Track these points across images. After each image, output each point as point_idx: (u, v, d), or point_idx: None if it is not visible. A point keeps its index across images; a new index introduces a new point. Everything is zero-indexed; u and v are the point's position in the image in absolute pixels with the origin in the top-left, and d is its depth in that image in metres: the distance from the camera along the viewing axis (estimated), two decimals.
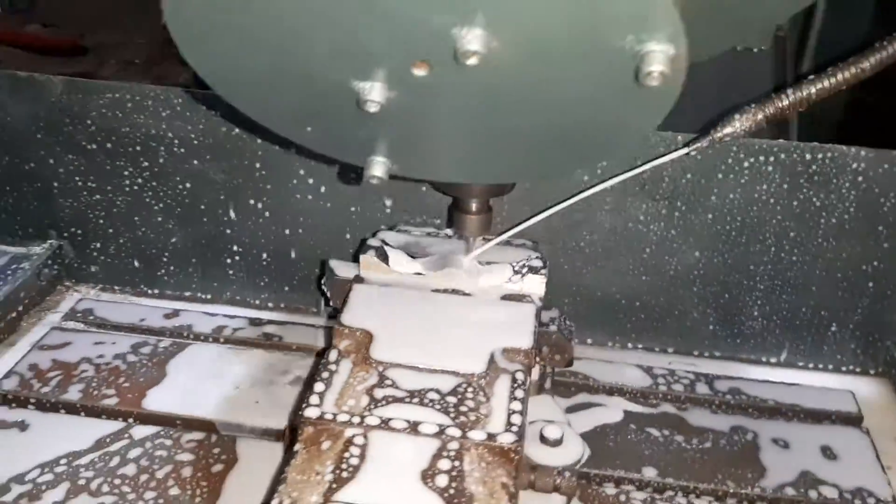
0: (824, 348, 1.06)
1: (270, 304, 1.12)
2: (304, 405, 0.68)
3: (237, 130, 1.01)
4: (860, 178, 0.96)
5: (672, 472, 0.87)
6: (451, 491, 0.62)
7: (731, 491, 0.85)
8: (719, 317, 1.06)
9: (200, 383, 0.94)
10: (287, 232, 1.07)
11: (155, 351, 0.99)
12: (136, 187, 1.07)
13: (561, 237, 1.03)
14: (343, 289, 0.85)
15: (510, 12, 0.55)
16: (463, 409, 0.70)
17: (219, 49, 0.61)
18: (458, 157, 0.71)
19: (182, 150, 1.04)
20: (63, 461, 0.83)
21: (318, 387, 0.70)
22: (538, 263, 0.88)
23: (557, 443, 0.84)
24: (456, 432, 0.66)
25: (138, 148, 1.04)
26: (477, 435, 0.66)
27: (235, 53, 0.61)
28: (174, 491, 0.81)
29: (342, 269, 0.89)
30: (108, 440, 0.86)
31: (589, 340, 1.09)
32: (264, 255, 1.10)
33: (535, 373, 0.94)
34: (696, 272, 1.03)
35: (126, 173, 1.06)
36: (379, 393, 0.70)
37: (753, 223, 1.00)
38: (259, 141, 1.02)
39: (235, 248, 1.09)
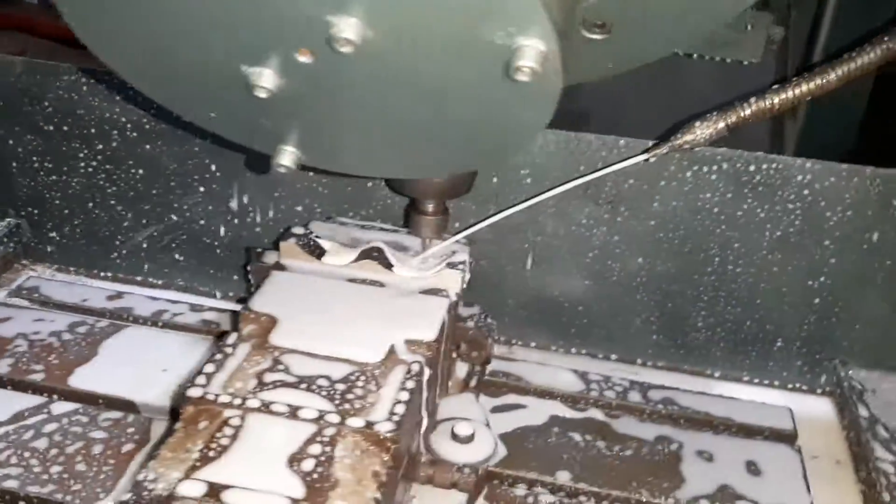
0: (769, 364, 1.04)
1: (218, 293, 1.13)
2: (188, 385, 0.69)
3: None
4: (806, 191, 0.94)
5: (586, 478, 0.85)
6: (315, 475, 0.62)
7: (644, 500, 0.84)
8: (662, 326, 1.04)
9: (129, 364, 0.94)
10: (236, 221, 1.08)
11: (91, 331, 1.00)
12: (90, 170, 1.09)
13: (504, 238, 1.02)
14: (264, 274, 0.86)
15: (384, 2, 0.55)
16: (350, 396, 0.69)
17: (108, 29, 0.62)
18: (359, 149, 0.71)
19: (135, 134, 1.05)
20: None
21: (208, 368, 0.71)
22: (459, 259, 0.87)
23: (468, 440, 0.83)
24: (335, 418, 0.66)
25: (93, 131, 1.06)
26: (355, 422, 0.66)
27: (123, 32, 0.62)
28: (80, 467, 0.81)
29: (268, 255, 0.90)
30: (26, 413, 0.87)
31: (532, 343, 1.08)
32: (214, 244, 1.10)
33: (462, 371, 0.94)
34: (640, 279, 1.02)
35: (81, 156, 1.08)
36: (269, 377, 0.70)
37: (697, 232, 0.98)
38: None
39: (184, 235, 1.10)
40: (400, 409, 0.68)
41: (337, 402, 0.68)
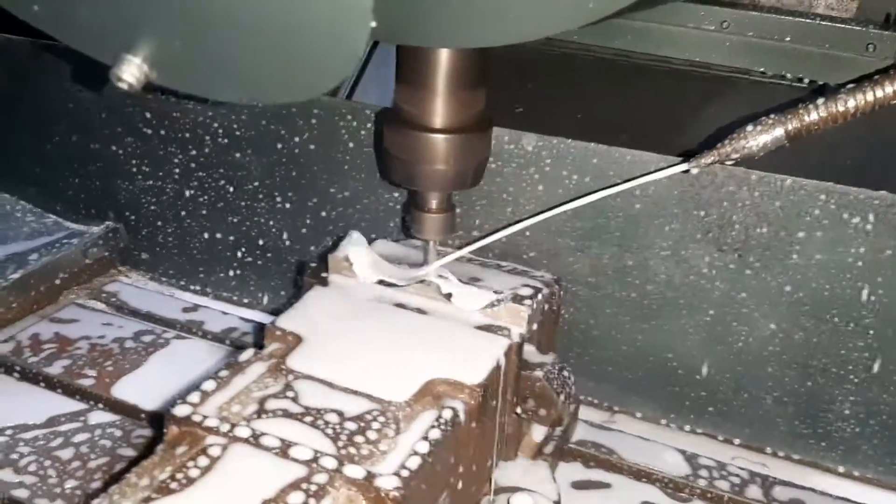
0: None
1: None
2: (178, 402, 0.59)
3: (275, 125, 0.96)
4: None
5: None
6: None
7: None
8: (800, 410, 0.85)
9: (178, 379, 0.87)
10: (328, 241, 0.99)
11: (155, 341, 0.94)
12: (183, 177, 1.04)
13: (608, 283, 0.87)
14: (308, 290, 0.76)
15: None
16: (359, 439, 0.57)
17: None
18: (195, 60, 0.53)
19: (225, 140, 1.00)
20: (8, 432, 0.80)
21: (208, 385, 0.61)
22: (527, 292, 0.73)
23: None
24: (330, 463, 0.54)
25: (187, 135, 1.02)
26: (353, 471, 0.54)
27: None
28: (96, 485, 0.74)
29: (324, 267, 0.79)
30: (62, 419, 0.82)
31: (638, 414, 0.92)
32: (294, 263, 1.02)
33: (538, 434, 0.80)
34: (772, 348, 0.84)
35: (176, 161, 1.04)
36: (272, 404, 0.60)
37: (846, 296, 0.79)
38: (297, 139, 0.96)
39: (269, 253, 1.03)
40: (414, 462, 0.55)
41: (341, 443, 0.56)
